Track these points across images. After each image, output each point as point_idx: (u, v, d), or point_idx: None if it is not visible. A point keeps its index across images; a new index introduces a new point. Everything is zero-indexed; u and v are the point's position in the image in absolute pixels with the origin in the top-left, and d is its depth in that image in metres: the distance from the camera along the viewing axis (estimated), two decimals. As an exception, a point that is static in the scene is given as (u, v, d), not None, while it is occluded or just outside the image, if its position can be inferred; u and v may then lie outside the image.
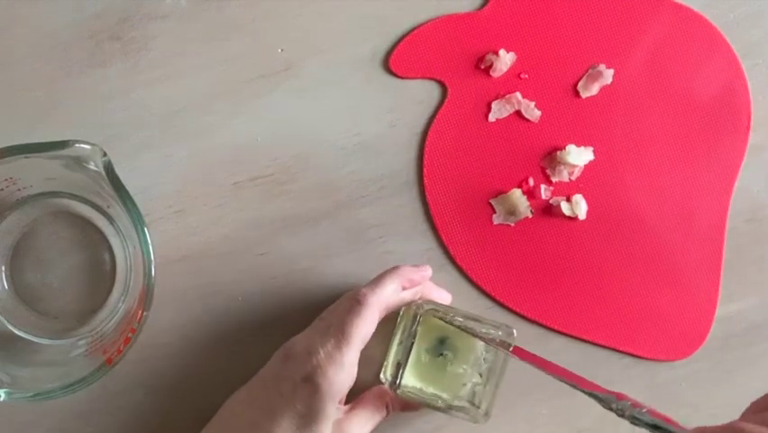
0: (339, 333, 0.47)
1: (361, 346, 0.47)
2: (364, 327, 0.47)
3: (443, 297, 0.53)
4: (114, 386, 0.53)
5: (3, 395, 0.44)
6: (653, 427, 0.39)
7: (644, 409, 0.40)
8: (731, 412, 0.54)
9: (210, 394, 0.52)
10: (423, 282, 0.51)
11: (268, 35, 0.55)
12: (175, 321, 0.54)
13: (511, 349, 0.48)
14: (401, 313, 0.51)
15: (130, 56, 0.55)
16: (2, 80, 0.54)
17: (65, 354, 0.52)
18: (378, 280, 0.49)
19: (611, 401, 0.41)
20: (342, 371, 0.46)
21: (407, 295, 0.50)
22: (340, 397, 0.47)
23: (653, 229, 0.55)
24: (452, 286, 0.54)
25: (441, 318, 0.50)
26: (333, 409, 0.46)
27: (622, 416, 0.40)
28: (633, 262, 0.55)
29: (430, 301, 0.51)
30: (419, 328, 0.49)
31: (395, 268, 0.50)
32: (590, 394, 0.43)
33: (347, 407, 0.49)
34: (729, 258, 0.55)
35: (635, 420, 0.40)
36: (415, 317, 0.49)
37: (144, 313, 0.44)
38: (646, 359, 0.55)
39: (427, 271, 0.52)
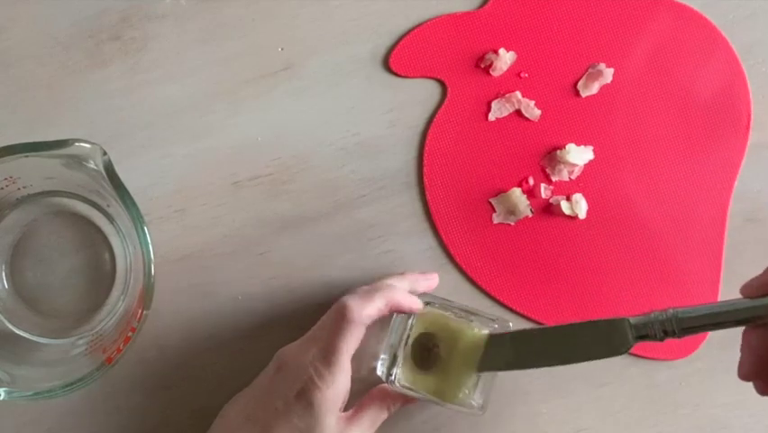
0: (325, 348, 0.46)
1: (350, 356, 0.47)
2: (350, 342, 0.47)
3: (428, 281, 0.53)
4: (114, 385, 0.53)
5: (3, 394, 0.44)
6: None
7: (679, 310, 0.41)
8: (731, 412, 0.55)
9: (209, 394, 0.52)
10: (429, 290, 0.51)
11: (268, 35, 0.55)
12: (174, 321, 0.54)
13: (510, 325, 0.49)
14: None
15: (130, 56, 0.55)
16: (2, 80, 0.54)
17: (65, 353, 0.51)
18: (367, 296, 0.47)
19: (649, 324, 0.43)
20: (333, 385, 0.46)
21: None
22: (338, 406, 0.47)
23: (653, 228, 0.55)
24: (452, 285, 0.54)
25: (437, 310, 0.50)
26: (332, 421, 0.46)
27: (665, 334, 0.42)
28: (633, 260, 0.55)
29: (426, 294, 0.50)
30: (415, 321, 0.49)
31: (392, 287, 0.49)
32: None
33: (349, 412, 0.49)
34: (729, 258, 0.55)
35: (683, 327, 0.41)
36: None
37: (144, 312, 0.44)
38: (646, 358, 0.55)
39: (434, 279, 0.52)
